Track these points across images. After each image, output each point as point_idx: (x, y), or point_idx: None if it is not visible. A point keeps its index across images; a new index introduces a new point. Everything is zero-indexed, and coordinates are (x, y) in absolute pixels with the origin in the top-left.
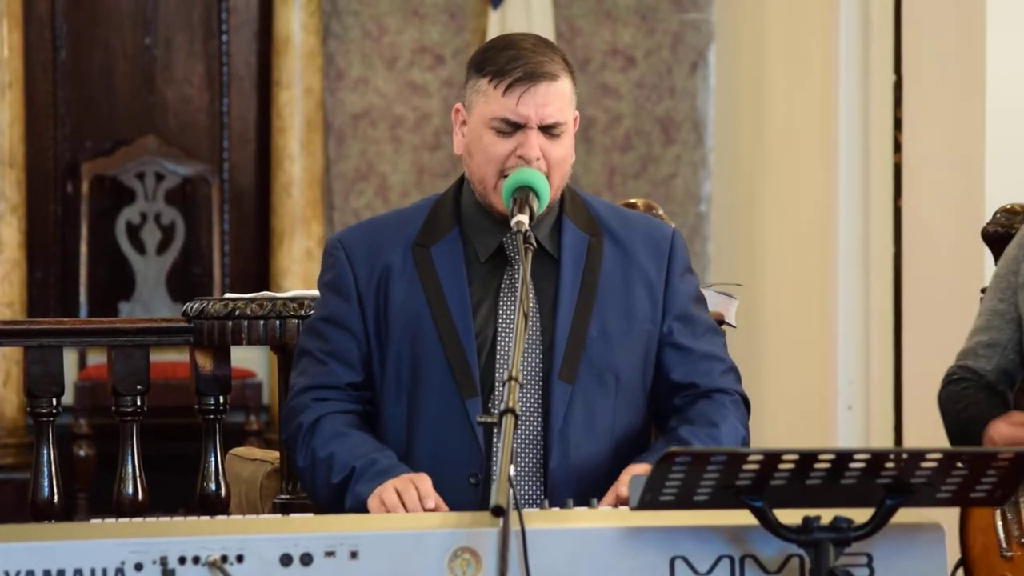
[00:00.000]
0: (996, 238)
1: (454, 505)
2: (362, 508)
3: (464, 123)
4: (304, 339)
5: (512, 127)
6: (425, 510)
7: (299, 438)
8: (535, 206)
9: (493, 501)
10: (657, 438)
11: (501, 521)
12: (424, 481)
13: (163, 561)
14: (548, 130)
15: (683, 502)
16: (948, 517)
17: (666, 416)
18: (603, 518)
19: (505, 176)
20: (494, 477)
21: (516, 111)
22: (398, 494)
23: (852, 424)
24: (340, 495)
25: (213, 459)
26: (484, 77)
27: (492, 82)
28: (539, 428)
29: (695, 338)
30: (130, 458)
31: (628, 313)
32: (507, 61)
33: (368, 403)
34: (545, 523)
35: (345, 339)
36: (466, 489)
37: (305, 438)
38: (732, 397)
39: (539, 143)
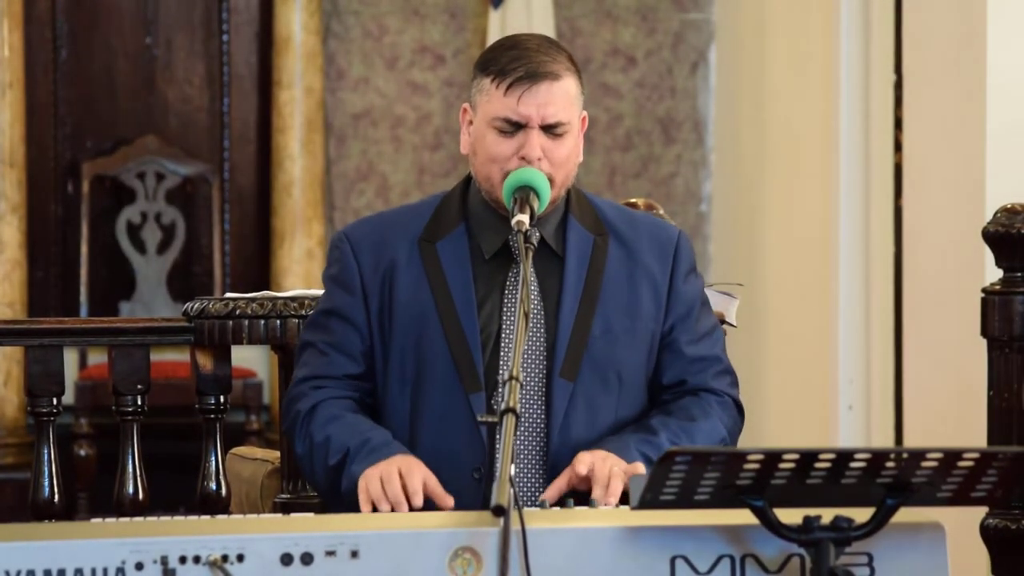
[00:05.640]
0: (997, 238)
1: (457, 499)
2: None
3: (471, 123)
4: (307, 331)
5: (514, 127)
6: (412, 508)
7: (297, 425)
8: (535, 205)
9: (494, 501)
10: None
11: (502, 521)
12: (412, 474)
13: (164, 561)
14: (550, 130)
15: (683, 502)
16: (948, 517)
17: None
18: (604, 518)
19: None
20: (497, 474)
21: (517, 111)
22: (381, 483)
23: (852, 424)
24: (337, 477)
25: (214, 458)
26: (487, 76)
27: (494, 81)
28: (542, 426)
29: (692, 342)
30: (130, 458)
31: (632, 312)
32: (510, 61)
33: (368, 394)
34: (546, 523)
35: (348, 332)
36: (469, 484)
37: (303, 425)
38: (721, 398)
39: (541, 143)
